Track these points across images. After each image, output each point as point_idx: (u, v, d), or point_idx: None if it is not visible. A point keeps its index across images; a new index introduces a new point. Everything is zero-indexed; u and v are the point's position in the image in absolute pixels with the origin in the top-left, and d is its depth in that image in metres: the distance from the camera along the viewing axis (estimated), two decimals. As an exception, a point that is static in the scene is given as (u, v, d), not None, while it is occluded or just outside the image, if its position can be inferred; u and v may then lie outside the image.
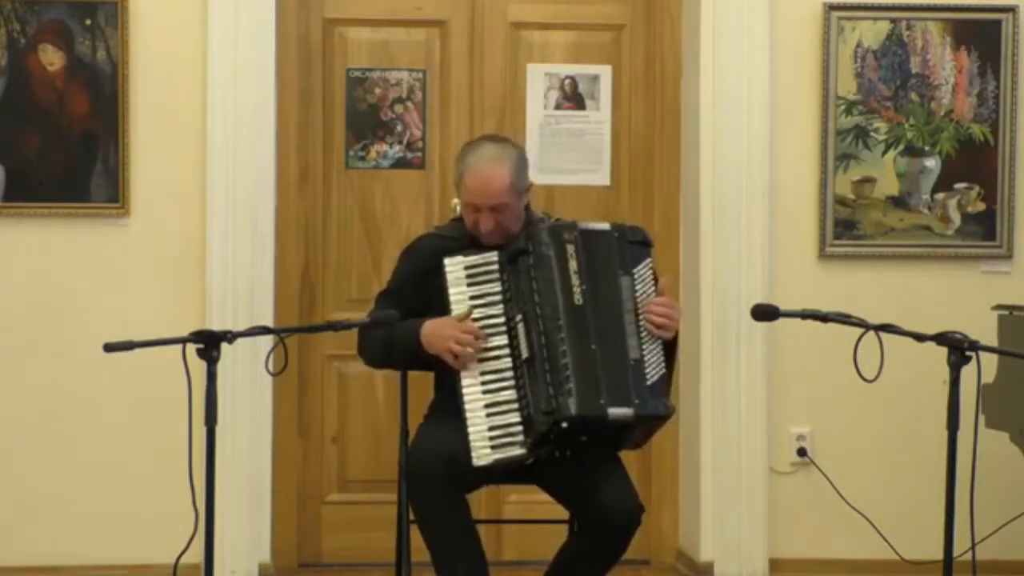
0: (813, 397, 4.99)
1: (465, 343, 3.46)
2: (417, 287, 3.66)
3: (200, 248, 4.79)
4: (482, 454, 3.40)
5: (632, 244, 3.60)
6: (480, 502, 4.51)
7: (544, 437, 3.38)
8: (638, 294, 3.55)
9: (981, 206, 5.02)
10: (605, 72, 5.16)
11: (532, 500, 4.02)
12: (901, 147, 4.99)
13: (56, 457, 4.79)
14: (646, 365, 3.48)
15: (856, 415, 4.97)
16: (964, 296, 4.92)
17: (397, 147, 5.12)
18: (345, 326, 3.52)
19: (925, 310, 4.71)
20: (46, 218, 4.77)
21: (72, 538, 4.79)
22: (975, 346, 3.16)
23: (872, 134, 4.98)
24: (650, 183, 5.16)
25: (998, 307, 4.58)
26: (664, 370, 3.53)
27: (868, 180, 4.99)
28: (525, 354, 3.44)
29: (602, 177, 5.17)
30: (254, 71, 4.80)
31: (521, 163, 3.63)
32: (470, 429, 3.42)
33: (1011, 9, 4.99)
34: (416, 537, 3.51)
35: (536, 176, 3.71)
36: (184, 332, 3.21)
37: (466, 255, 3.56)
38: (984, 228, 5.02)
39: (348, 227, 5.10)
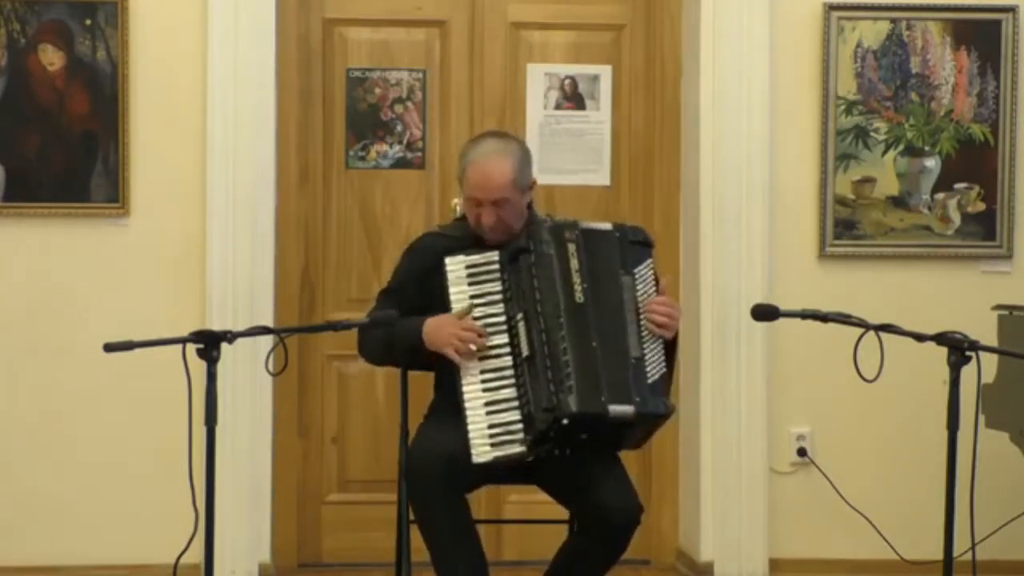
0: (813, 397, 4.99)
1: (467, 339, 3.45)
2: (418, 286, 3.65)
3: (200, 248, 4.79)
4: (482, 452, 3.40)
5: (633, 244, 3.60)
6: (480, 502, 4.51)
7: (544, 435, 3.38)
8: (639, 294, 3.55)
9: (981, 206, 5.02)
10: (605, 72, 5.16)
11: (532, 500, 4.02)
12: (901, 147, 4.99)
13: (56, 457, 4.79)
14: (647, 364, 3.48)
15: (856, 415, 4.97)
16: (964, 296, 4.92)
17: (397, 147, 5.12)
18: (345, 326, 3.52)
19: (925, 310, 4.71)
20: (46, 218, 4.77)
21: (72, 538, 4.79)
22: (975, 346, 3.16)
23: (872, 134, 4.98)
24: (650, 183, 5.16)
25: (998, 307, 4.57)
26: (664, 369, 3.53)
27: (868, 180, 4.98)
28: (526, 352, 3.44)
29: (602, 177, 5.17)
30: (254, 71, 4.80)
31: (524, 159, 3.63)
32: (470, 427, 3.41)
33: (1011, 9, 4.99)
34: (416, 537, 3.50)
35: (536, 176, 3.70)
36: (184, 332, 3.21)
37: (467, 254, 3.55)
38: (984, 228, 5.01)
39: (348, 227, 5.10)
